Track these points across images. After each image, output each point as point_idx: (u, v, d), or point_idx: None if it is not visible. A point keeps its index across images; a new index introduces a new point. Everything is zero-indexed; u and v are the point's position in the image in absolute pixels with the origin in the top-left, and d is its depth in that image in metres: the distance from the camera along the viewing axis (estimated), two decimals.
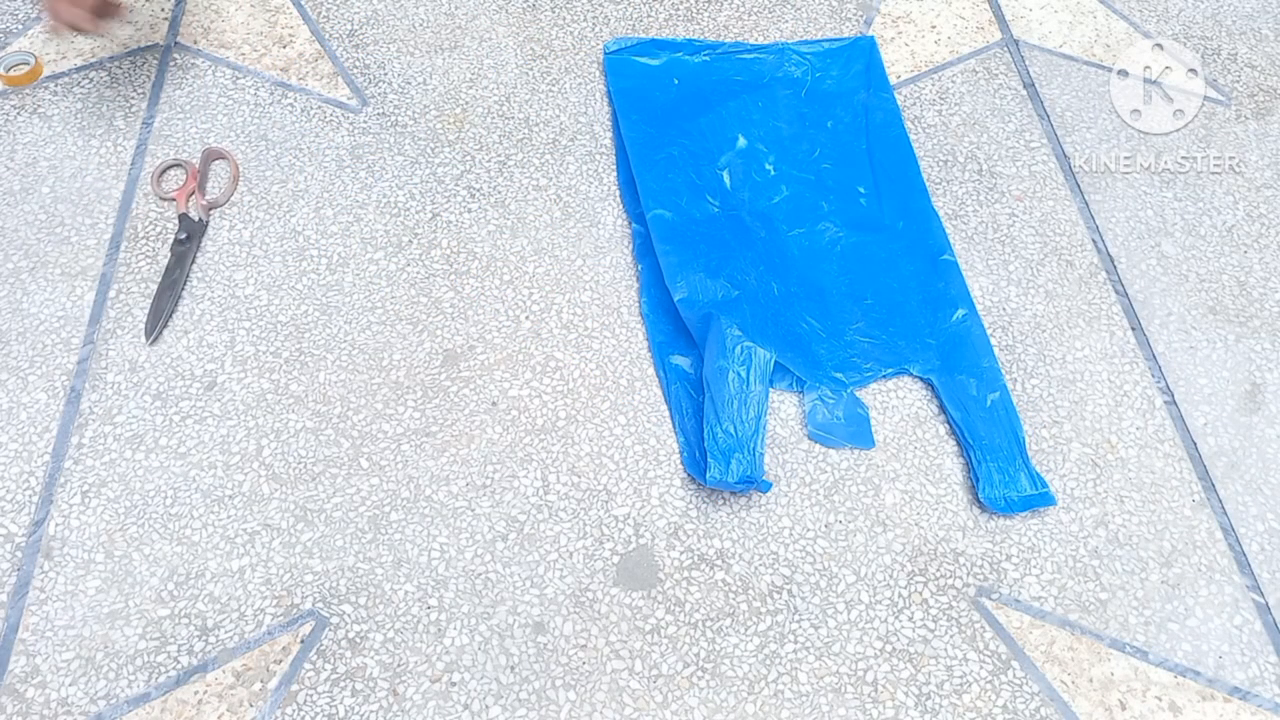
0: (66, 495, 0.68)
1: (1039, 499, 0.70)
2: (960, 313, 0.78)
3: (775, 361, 0.72)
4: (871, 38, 0.97)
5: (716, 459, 0.67)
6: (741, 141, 0.88)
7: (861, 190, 0.86)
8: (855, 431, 0.73)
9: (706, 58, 0.94)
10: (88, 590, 0.64)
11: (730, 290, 0.77)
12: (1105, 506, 0.71)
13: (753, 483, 0.67)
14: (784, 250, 0.81)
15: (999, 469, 0.70)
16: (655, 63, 0.93)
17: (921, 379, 0.76)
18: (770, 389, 0.74)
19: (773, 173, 0.86)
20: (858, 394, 0.75)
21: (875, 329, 0.78)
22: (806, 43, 0.96)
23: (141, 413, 0.71)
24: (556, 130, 0.89)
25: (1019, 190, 0.88)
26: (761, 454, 0.68)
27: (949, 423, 0.74)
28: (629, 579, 0.66)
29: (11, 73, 0.87)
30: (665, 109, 0.89)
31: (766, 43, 0.96)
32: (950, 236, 0.84)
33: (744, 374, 0.70)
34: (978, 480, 0.70)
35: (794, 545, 0.68)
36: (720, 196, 0.84)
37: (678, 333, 0.76)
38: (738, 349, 0.71)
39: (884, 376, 0.76)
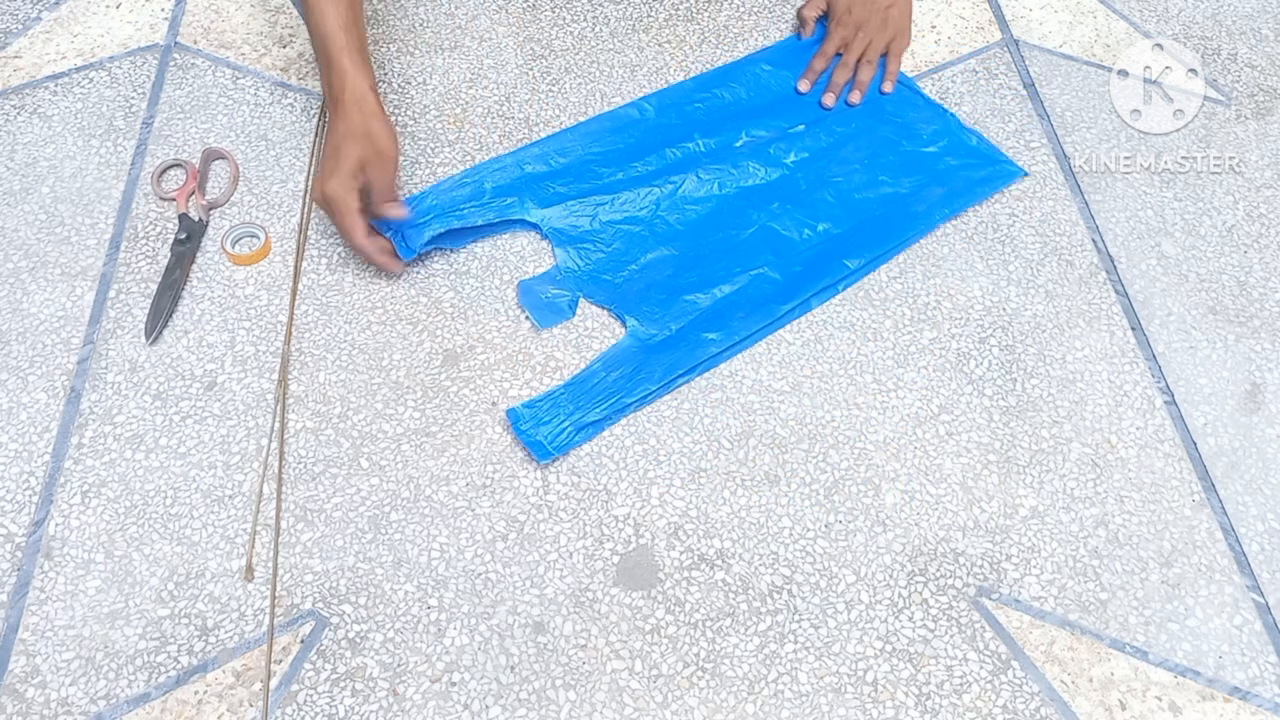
0: (66, 495, 0.68)
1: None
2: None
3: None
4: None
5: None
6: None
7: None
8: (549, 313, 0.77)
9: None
10: (88, 590, 0.64)
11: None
12: (1105, 506, 0.71)
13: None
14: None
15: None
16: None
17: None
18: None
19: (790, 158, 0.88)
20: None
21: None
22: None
23: (141, 413, 0.71)
24: (556, 130, 0.89)
25: (1019, 190, 0.88)
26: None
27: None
28: (629, 579, 0.66)
29: (237, 249, 0.80)
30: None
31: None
32: (950, 236, 0.84)
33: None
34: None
35: (794, 545, 0.68)
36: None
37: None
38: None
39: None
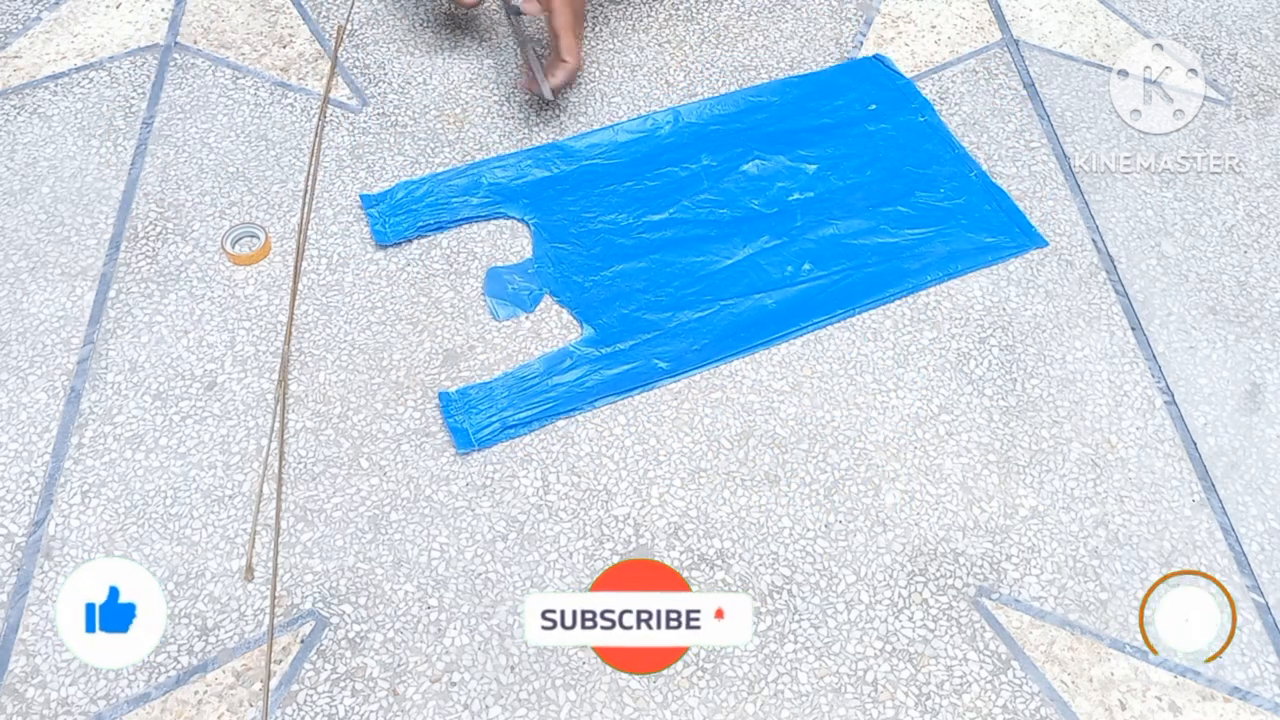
0: (66, 495, 0.68)
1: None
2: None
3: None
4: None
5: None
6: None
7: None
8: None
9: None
10: None
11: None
12: (1105, 506, 0.71)
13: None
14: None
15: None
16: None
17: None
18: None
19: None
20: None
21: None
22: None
23: (141, 413, 0.71)
24: (557, 130, 0.89)
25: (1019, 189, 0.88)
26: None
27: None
28: None
29: (237, 249, 0.79)
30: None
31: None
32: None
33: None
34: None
35: (794, 545, 0.68)
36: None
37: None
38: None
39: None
